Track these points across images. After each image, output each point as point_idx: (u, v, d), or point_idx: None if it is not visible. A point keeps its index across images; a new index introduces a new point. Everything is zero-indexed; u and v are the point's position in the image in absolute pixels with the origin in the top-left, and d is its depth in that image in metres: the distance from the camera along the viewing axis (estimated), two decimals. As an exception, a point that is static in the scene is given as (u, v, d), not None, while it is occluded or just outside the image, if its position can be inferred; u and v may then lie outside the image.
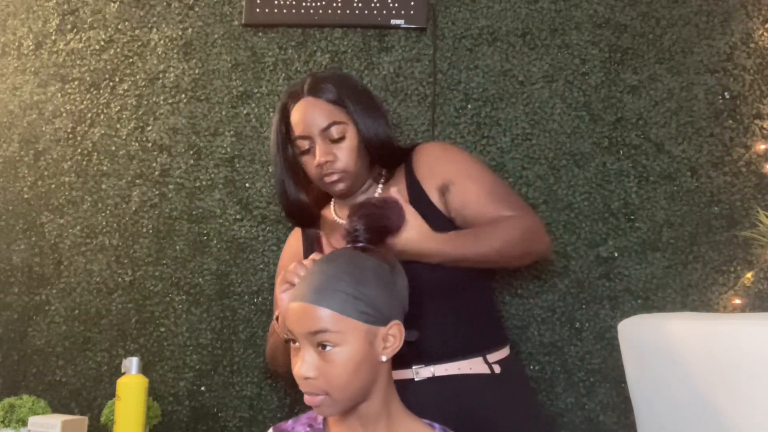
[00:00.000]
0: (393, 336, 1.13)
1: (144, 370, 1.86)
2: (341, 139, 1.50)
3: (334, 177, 1.52)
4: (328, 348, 1.09)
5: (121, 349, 1.90)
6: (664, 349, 1.28)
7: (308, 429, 1.23)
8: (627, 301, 1.78)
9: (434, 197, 1.49)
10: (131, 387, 1.53)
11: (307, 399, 1.12)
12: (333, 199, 1.63)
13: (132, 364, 1.54)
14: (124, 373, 1.55)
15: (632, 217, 1.80)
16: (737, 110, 1.80)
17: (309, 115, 1.51)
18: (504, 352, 1.48)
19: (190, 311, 1.90)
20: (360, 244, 1.21)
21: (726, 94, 1.82)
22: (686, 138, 1.81)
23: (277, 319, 1.39)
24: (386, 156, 1.55)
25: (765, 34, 1.82)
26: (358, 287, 1.10)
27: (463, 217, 1.47)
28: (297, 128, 1.53)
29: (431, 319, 1.39)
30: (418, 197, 1.49)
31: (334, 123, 1.50)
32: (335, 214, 1.61)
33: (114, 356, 1.90)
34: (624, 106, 1.84)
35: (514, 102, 1.87)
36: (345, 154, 1.51)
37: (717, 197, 1.79)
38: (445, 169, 1.51)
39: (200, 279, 1.90)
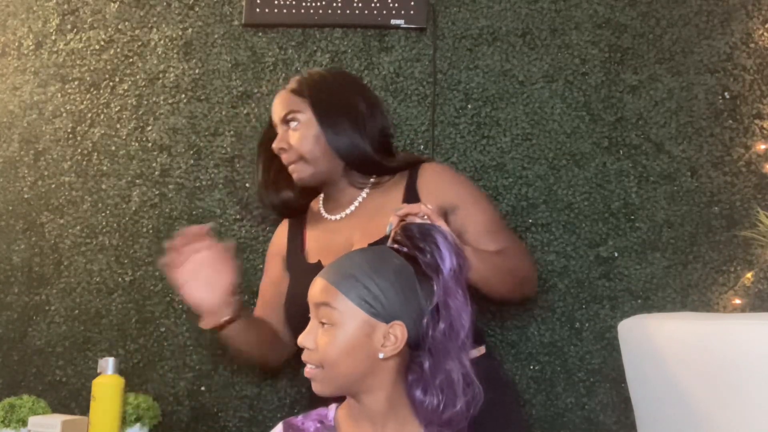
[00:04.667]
0: (394, 336, 1.13)
1: (144, 370, 1.86)
2: (296, 125, 1.53)
3: (292, 166, 1.54)
4: (326, 325, 1.14)
5: (121, 349, 1.90)
6: (664, 349, 1.28)
7: (319, 425, 1.22)
8: (627, 301, 1.78)
9: None
10: (107, 387, 1.52)
11: (305, 370, 1.17)
12: (322, 193, 1.63)
13: (108, 364, 1.53)
14: (100, 374, 1.53)
15: (632, 217, 1.80)
16: (737, 110, 1.80)
17: (275, 105, 1.58)
18: (474, 353, 1.42)
19: (190, 311, 1.89)
20: (395, 245, 1.20)
21: (726, 94, 1.81)
22: (686, 138, 1.81)
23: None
24: (355, 161, 1.53)
25: (765, 34, 1.82)
26: (370, 277, 1.13)
27: (461, 241, 1.43)
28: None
29: None
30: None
31: (291, 111, 1.53)
32: (322, 207, 1.61)
33: (114, 356, 1.89)
34: (624, 106, 1.84)
35: (514, 102, 1.87)
36: (296, 139, 1.52)
37: (717, 197, 1.79)
38: (454, 191, 1.51)
39: (200, 279, 1.89)
